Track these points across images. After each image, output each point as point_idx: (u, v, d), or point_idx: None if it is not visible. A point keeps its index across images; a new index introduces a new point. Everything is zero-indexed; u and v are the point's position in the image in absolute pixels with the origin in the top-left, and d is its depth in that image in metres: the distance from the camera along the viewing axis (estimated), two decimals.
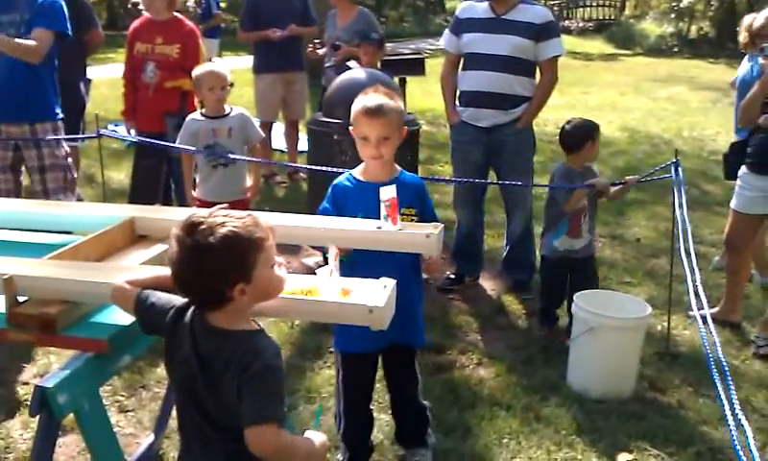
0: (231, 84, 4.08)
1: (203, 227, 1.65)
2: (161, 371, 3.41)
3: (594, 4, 28.49)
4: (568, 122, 4.00)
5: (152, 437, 3.00)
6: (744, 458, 2.07)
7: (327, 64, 6.49)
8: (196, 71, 4.08)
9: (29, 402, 1.95)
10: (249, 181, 4.16)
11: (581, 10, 28.59)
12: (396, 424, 3.01)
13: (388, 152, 2.61)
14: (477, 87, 4.44)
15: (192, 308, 1.77)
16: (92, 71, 6.46)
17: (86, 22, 5.76)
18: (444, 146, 6.44)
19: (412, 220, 2.57)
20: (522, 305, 4.51)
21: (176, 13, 5.13)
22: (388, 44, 6.82)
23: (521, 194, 4.61)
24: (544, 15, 4.45)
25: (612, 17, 28.46)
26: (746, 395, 3.49)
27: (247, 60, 8.03)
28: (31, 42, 4.01)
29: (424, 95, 10.29)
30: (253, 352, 1.67)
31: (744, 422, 2.16)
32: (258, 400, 1.64)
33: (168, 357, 1.82)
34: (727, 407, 2.24)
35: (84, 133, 5.69)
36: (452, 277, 4.76)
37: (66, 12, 4.20)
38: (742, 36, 4.71)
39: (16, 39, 3.99)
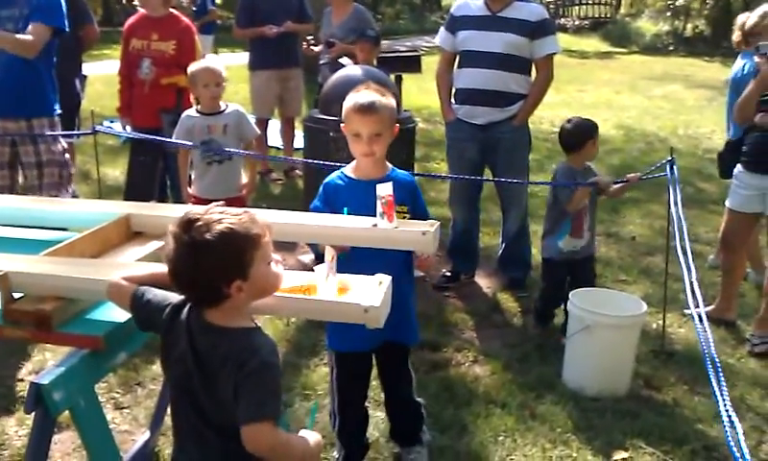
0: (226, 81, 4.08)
1: (199, 223, 1.64)
2: (157, 368, 3.41)
3: (590, 2, 28.49)
4: (568, 121, 3.98)
5: (147, 434, 2.99)
6: (738, 456, 2.08)
7: (322, 61, 6.50)
8: (191, 68, 4.07)
9: (24, 399, 1.95)
10: (244, 179, 4.16)
11: (576, 7, 28.61)
12: (391, 422, 3.01)
13: (380, 149, 2.60)
14: (473, 85, 4.44)
15: (189, 305, 1.77)
16: (87, 67, 6.43)
17: (81, 18, 5.75)
18: (440, 143, 6.43)
19: (404, 217, 2.55)
20: (518, 303, 4.51)
21: (171, 10, 5.12)
22: (384, 41, 6.82)
23: (517, 192, 4.61)
24: (540, 13, 4.46)
25: (608, 15, 28.46)
26: (741, 393, 3.50)
27: (242, 57, 8.00)
28: (27, 37, 3.98)
29: (420, 92, 10.30)
30: (250, 350, 1.67)
31: (735, 419, 2.17)
32: (255, 397, 1.63)
33: (164, 354, 1.82)
34: (721, 405, 2.25)
35: (79, 130, 5.68)
36: (448, 274, 4.76)
37: (65, 8, 4.18)
38: (735, 35, 4.74)
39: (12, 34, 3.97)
